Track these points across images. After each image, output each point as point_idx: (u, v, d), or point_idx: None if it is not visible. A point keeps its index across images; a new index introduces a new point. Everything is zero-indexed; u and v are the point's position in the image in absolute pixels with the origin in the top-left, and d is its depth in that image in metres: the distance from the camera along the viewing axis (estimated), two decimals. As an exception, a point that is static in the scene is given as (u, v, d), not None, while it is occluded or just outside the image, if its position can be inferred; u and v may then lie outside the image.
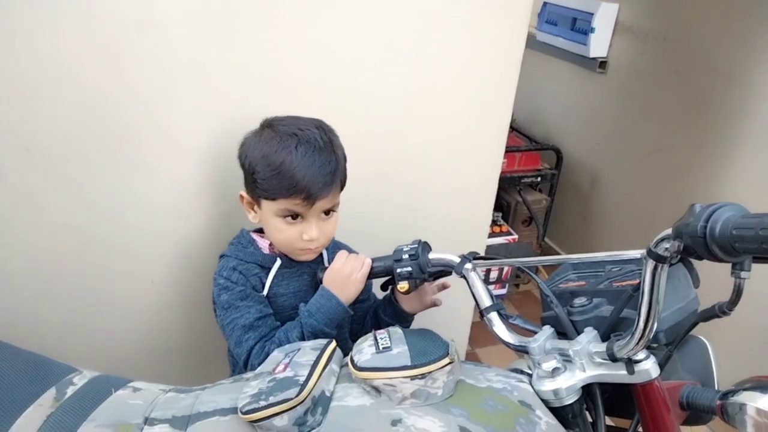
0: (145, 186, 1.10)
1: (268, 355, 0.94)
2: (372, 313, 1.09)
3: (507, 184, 2.26)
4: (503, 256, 2.14)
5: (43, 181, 1.03)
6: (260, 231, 1.04)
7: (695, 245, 0.55)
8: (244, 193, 0.98)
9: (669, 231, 0.60)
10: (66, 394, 0.77)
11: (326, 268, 0.98)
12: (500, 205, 2.33)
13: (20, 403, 0.73)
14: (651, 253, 0.62)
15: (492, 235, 2.16)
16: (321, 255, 1.04)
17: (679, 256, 0.61)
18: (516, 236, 2.20)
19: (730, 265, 0.56)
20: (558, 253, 2.56)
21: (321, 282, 0.97)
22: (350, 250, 1.05)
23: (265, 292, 0.97)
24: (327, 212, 0.95)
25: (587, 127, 2.38)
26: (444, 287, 1.05)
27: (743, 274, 0.55)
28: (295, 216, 0.93)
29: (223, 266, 0.98)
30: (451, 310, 1.24)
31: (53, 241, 1.08)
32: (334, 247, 1.07)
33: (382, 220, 1.34)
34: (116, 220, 1.10)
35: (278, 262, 0.99)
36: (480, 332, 1.84)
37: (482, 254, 1.53)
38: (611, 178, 2.30)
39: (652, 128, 2.08)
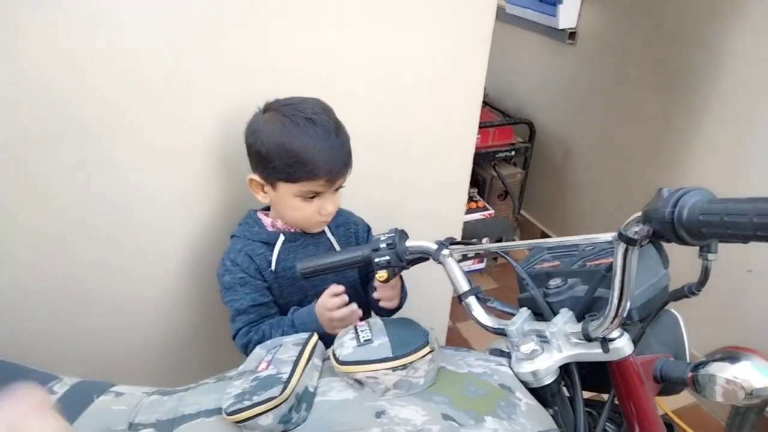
0: (113, 185, 1.08)
1: (250, 341, 1.02)
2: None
3: (482, 159, 2.27)
4: (481, 237, 2.17)
5: (6, 186, 1.00)
6: (266, 209, 1.10)
7: (664, 230, 0.57)
8: (255, 177, 1.01)
9: (638, 214, 0.61)
10: (47, 404, 0.76)
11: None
12: (475, 181, 2.34)
13: (-1, 417, 0.73)
14: (621, 236, 0.63)
15: (469, 211, 2.18)
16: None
17: (648, 239, 0.62)
18: (492, 211, 2.22)
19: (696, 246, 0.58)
20: (535, 226, 2.60)
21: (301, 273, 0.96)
22: (352, 217, 1.15)
23: (273, 268, 1.04)
24: (338, 187, 1.02)
25: (559, 99, 2.39)
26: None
27: (710, 256, 0.56)
28: (314, 195, 0.99)
29: (232, 248, 1.05)
30: (431, 286, 1.25)
31: (24, 246, 1.06)
32: (336, 215, 1.11)
33: (357, 202, 1.34)
34: (85, 221, 1.08)
35: (281, 238, 1.05)
36: (460, 307, 1.86)
37: (459, 235, 1.56)
38: (584, 149, 2.33)
39: (622, 97, 2.10)
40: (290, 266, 1.05)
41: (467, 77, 1.34)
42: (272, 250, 1.04)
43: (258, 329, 1.03)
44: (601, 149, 2.23)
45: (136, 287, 1.19)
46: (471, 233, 2.14)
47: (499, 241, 2.30)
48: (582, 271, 0.81)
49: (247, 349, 1.03)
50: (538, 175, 2.49)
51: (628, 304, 0.67)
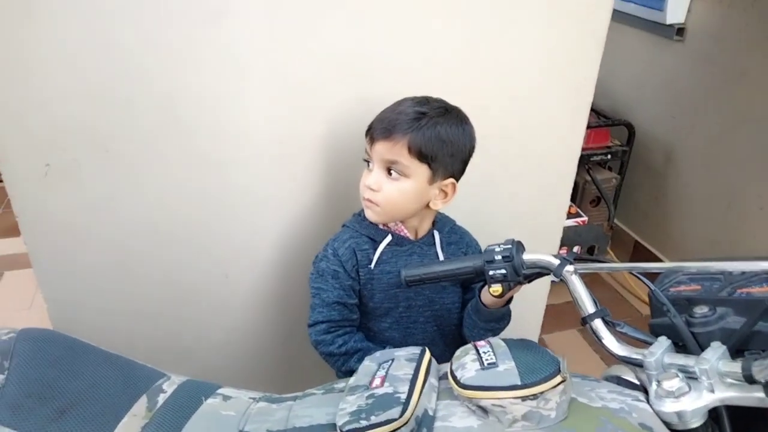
0: (215, 181, 1.08)
1: (325, 343, 0.99)
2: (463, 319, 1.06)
3: (575, 162, 2.15)
4: (572, 245, 2.05)
5: (116, 178, 1.02)
6: None
7: None
8: None
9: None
10: (157, 402, 0.76)
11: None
12: (567, 185, 2.22)
13: (116, 413, 0.73)
14: (808, 268, 0.54)
15: (560, 217, 2.07)
16: (433, 236, 1.04)
17: None
18: (586, 218, 2.09)
19: None
20: (628, 235, 2.43)
21: (405, 280, 0.92)
22: (467, 237, 1.09)
23: (371, 266, 1.00)
24: (390, 170, 0.94)
25: (662, 99, 2.22)
26: None
27: None
28: (368, 163, 0.97)
29: (339, 237, 1.02)
30: (523, 294, 1.19)
31: (129, 237, 1.08)
32: (452, 231, 1.07)
33: (457, 202, 1.29)
34: (192, 217, 1.09)
35: (388, 238, 1.01)
36: (547, 318, 1.77)
37: (557, 244, 1.46)
38: (688, 154, 2.15)
39: (737, 98, 1.91)
40: (389, 270, 1.01)
41: (578, 77, 1.25)
42: (376, 248, 1.01)
43: (342, 342, 0.99)
44: (710, 157, 2.05)
45: (232, 284, 1.19)
46: (562, 240, 2.03)
47: (592, 249, 2.18)
48: (735, 300, 0.72)
49: (318, 347, 1.01)
50: (635, 182, 2.33)
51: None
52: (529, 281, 0.88)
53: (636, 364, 0.72)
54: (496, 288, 0.86)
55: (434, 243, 1.04)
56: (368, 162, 0.97)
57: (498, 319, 0.99)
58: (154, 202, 1.06)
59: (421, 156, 0.92)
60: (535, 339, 1.70)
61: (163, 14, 0.92)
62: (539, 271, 0.85)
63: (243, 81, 1.00)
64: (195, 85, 0.98)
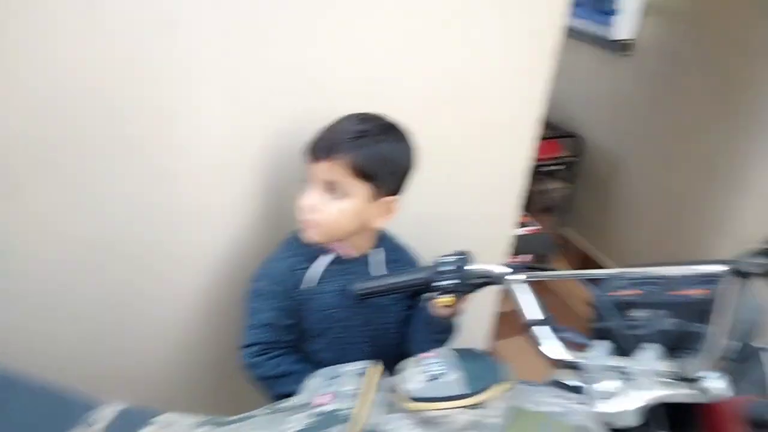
0: (164, 196, 1.05)
1: (258, 366, 0.97)
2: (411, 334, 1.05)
3: (526, 173, 2.20)
4: (522, 253, 2.08)
5: (57, 194, 0.98)
6: None
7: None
8: None
9: (764, 246, 0.55)
10: (90, 435, 0.72)
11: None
12: (519, 195, 2.27)
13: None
14: (735, 270, 0.57)
15: (511, 226, 2.10)
16: (373, 254, 1.02)
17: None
18: (539, 226, 2.14)
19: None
20: (578, 243, 2.50)
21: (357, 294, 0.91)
22: (407, 255, 1.07)
23: (307, 286, 0.98)
24: (331, 189, 0.91)
25: (610, 112, 2.31)
26: None
27: None
28: (307, 182, 0.94)
29: (275, 256, 1.00)
30: (471, 301, 1.20)
31: (70, 257, 1.03)
32: (392, 249, 1.05)
33: (406, 213, 1.29)
34: (135, 233, 1.06)
35: (327, 257, 0.98)
36: (501, 325, 1.78)
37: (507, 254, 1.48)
38: (635, 165, 2.24)
39: (681, 112, 2.01)
40: (328, 290, 0.98)
41: (531, 89, 1.28)
42: (314, 267, 0.98)
43: (275, 363, 0.96)
44: (654, 166, 2.14)
45: (173, 301, 1.16)
46: (513, 249, 2.07)
47: (542, 257, 2.23)
48: (671, 302, 0.74)
49: (250, 370, 0.98)
50: (583, 191, 2.41)
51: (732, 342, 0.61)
52: (478, 290, 0.89)
53: (575, 368, 0.74)
54: (446, 299, 0.87)
55: (374, 261, 1.02)
56: (307, 181, 0.94)
57: (448, 329, 0.99)
58: (96, 217, 1.02)
59: (363, 175, 0.90)
60: (484, 346, 1.71)
61: (110, 25, 0.89)
62: (487, 280, 0.86)
63: (191, 92, 0.98)
64: (141, 98, 0.96)
